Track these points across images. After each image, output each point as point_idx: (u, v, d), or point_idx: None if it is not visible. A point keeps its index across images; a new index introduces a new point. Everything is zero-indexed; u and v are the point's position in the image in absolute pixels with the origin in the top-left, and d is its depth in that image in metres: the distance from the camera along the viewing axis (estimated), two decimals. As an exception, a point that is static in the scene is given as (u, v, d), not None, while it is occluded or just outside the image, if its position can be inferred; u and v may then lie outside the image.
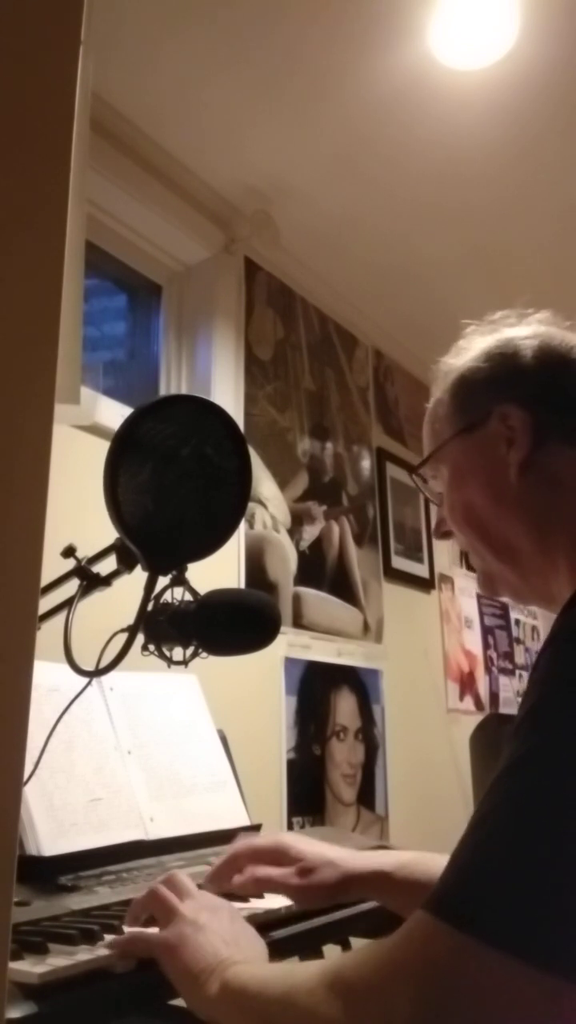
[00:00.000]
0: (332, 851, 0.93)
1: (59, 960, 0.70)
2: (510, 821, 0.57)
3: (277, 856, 0.91)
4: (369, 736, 2.39)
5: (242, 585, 2.00)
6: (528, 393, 0.84)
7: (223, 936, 0.74)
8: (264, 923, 0.86)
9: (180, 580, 0.86)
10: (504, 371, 0.86)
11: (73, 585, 0.90)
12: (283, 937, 0.87)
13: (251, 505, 2.10)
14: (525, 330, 0.89)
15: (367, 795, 2.33)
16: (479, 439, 0.86)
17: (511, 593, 0.91)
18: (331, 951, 0.95)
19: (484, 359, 0.88)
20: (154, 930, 0.77)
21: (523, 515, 0.83)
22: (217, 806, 1.22)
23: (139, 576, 0.84)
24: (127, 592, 0.87)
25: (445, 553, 3.04)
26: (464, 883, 0.57)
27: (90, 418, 1.64)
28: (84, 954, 0.72)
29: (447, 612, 3.01)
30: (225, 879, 0.92)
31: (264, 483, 2.19)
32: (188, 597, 0.86)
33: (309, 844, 0.93)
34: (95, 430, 1.62)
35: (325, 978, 0.60)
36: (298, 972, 0.64)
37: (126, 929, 0.80)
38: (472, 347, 0.90)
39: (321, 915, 0.94)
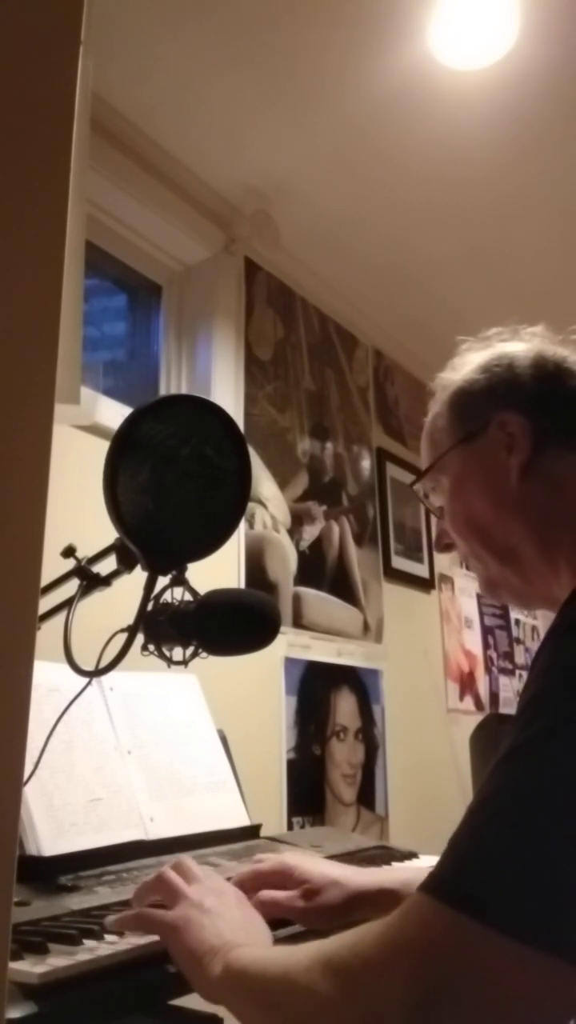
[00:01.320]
0: (336, 870, 0.93)
1: (59, 960, 0.70)
2: (510, 805, 0.57)
3: (281, 878, 0.91)
4: (369, 736, 2.39)
5: (242, 585, 2.00)
6: (525, 400, 0.86)
7: (228, 919, 0.75)
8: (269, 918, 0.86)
9: (180, 580, 0.86)
10: (501, 381, 0.88)
11: (73, 585, 0.90)
12: (285, 937, 0.87)
13: (251, 505, 2.10)
14: (519, 344, 0.91)
15: (367, 795, 2.33)
16: (479, 447, 0.87)
17: (515, 598, 0.92)
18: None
19: (480, 371, 0.90)
20: (162, 911, 0.78)
21: (524, 519, 0.84)
22: (217, 806, 1.22)
23: (139, 576, 0.84)
24: (127, 592, 0.87)
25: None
26: (463, 865, 0.58)
27: (90, 418, 1.63)
28: (84, 954, 0.72)
29: (447, 612, 3.02)
30: None
31: (264, 483, 2.19)
32: (188, 597, 0.86)
33: (313, 864, 0.93)
34: (95, 430, 1.62)
35: (322, 956, 0.61)
36: (296, 952, 0.65)
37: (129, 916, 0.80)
38: (468, 362, 0.93)
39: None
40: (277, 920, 0.88)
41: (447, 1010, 0.53)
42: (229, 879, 0.92)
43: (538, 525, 0.83)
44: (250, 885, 0.90)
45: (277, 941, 0.83)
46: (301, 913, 0.89)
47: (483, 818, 0.58)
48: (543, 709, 0.60)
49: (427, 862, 1.24)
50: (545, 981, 0.53)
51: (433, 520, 0.98)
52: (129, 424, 0.82)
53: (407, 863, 1.23)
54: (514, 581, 0.88)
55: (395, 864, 1.21)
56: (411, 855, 1.28)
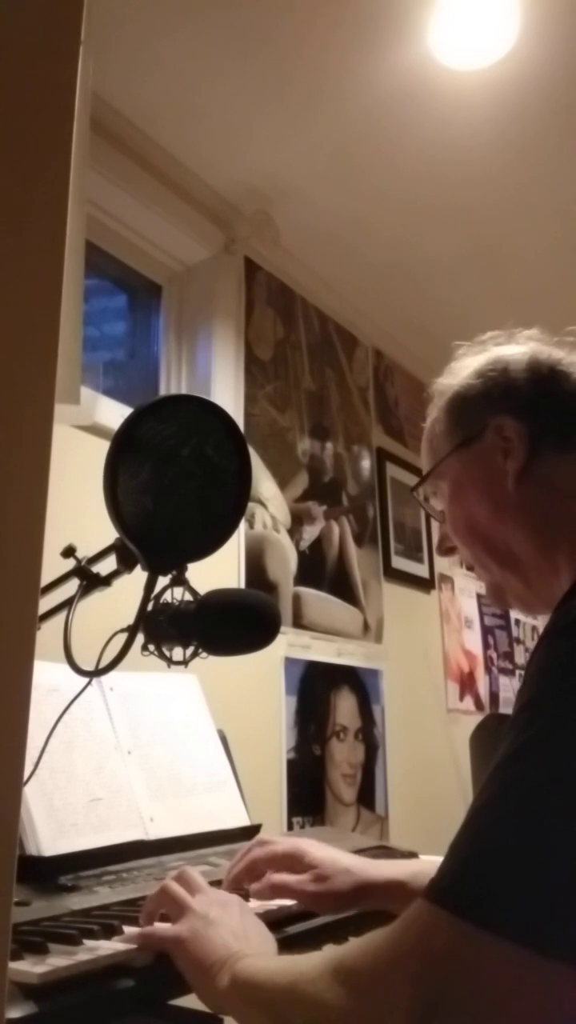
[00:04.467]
0: (347, 859, 0.94)
1: (59, 960, 0.70)
2: (508, 810, 0.58)
3: (292, 862, 0.93)
4: (369, 736, 2.39)
5: (242, 585, 2.00)
6: (521, 404, 0.87)
7: (233, 930, 0.76)
8: (274, 919, 0.87)
9: (180, 580, 0.86)
10: (496, 386, 0.89)
11: (73, 585, 0.90)
12: (287, 936, 0.87)
13: (251, 505, 2.10)
14: (514, 348, 0.92)
15: (367, 795, 2.33)
16: (476, 452, 0.88)
17: (520, 604, 0.93)
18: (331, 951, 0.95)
19: (476, 376, 0.91)
20: (167, 925, 0.78)
21: (523, 521, 0.85)
22: (217, 806, 1.22)
23: (139, 576, 0.84)
24: (127, 592, 0.87)
25: (445, 553, 3.04)
26: (463, 871, 0.58)
27: (90, 418, 1.64)
28: (84, 954, 0.72)
29: (447, 612, 3.01)
30: (243, 882, 0.94)
31: (264, 483, 2.19)
32: (188, 597, 0.86)
33: (325, 851, 0.94)
34: (95, 430, 1.62)
35: (328, 966, 0.62)
36: (302, 962, 0.66)
37: (135, 928, 0.80)
38: (464, 367, 0.94)
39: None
40: (286, 917, 0.89)
41: (450, 1016, 0.54)
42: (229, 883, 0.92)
43: (536, 528, 0.84)
44: (263, 866, 0.92)
45: (286, 939, 0.83)
46: (310, 897, 0.90)
47: (481, 824, 0.59)
48: (538, 712, 0.61)
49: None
50: (546, 985, 0.53)
51: (434, 522, 0.98)
52: (129, 424, 0.82)
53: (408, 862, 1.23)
54: (517, 585, 0.89)
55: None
56: (411, 855, 1.27)
